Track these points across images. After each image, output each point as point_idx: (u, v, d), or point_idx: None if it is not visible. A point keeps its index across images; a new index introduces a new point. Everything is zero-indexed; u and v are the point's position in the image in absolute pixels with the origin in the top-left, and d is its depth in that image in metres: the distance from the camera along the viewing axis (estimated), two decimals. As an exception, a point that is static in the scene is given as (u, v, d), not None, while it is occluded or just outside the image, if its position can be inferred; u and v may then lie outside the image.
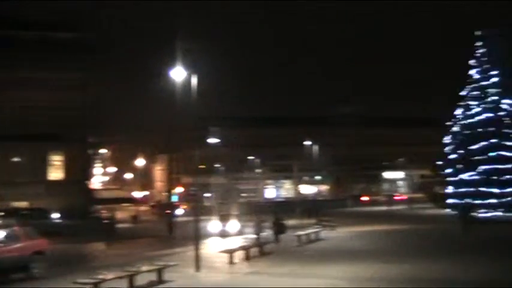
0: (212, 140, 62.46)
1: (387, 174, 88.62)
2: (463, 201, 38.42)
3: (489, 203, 37.89)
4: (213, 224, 35.21)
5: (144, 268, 17.74)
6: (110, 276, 15.97)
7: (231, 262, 21.41)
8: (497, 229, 32.15)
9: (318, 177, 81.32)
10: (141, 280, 16.80)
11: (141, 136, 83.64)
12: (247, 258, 22.67)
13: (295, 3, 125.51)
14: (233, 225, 35.30)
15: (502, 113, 39.91)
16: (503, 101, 40.28)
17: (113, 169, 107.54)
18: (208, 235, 32.07)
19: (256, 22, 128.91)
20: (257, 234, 28.98)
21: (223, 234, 33.45)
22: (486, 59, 40.58)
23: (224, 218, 36.00)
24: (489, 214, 37.43)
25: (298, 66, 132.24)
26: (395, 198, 63.58)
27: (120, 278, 16.15)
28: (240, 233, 33.86)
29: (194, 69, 21.43)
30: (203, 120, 62.23)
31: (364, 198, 73.24)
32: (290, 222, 35.10)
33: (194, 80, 21.26)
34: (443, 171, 41.45)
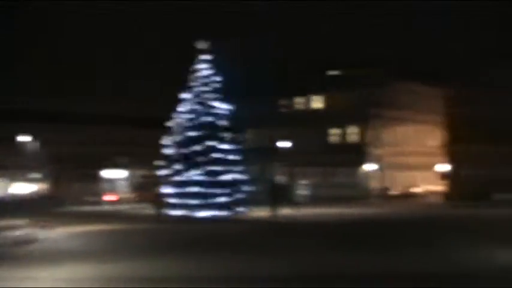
0: None
1: (107, 173, 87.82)
2: (162, 200, 40.29)
3: (206, 203, 39.45)
4: None
5: None
6: None
7: None
8: (210, 227, 33.81)
9: (36, 176, 77.72)
10: None
11: None
12: None
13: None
14: None
15: (219, 118, 41.81)
16: (222, 106, 42.24)
17: None
18: None
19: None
20: None
21: None
22: (209, 65, 42.20)
23: None
24: (207, 214, 39.06)
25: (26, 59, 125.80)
26: (109, 198, 63.12)
27: None
28: None
29: None
30: None
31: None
32: (2, 222, 33.01)
33: None
34: (163, 171, 42.21)
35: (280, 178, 66.86)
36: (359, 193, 61.65)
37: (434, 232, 29.78)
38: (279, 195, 42.74)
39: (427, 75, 67.62)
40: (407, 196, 63.66)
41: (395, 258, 20.79)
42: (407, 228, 32.75)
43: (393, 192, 64.75)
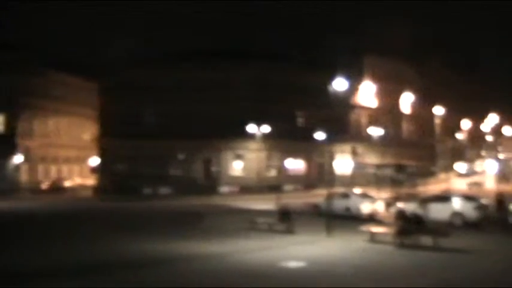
0: None
1: None
2: None
3: None
4: None
5: None
6: None
7: None
8: None
9: None
10: None
11: None
12: None
13: None
14: None
15: None
16: None
17: None
18: None
19: None
20: None
21: None
22: None
23: None
24: None
25: None
26: None
27: None
28: None
29: None
30: None
31: None
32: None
33: None
34: None
35: None
36: (7, 186, 58.66)
37: (77, 225, 29.75)
38: None
39: (83, 69, 67.00)
40: (58, 190, 62.36)
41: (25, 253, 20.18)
42: (51, 222, 32.19)
43: (43, 185, 62.99)
